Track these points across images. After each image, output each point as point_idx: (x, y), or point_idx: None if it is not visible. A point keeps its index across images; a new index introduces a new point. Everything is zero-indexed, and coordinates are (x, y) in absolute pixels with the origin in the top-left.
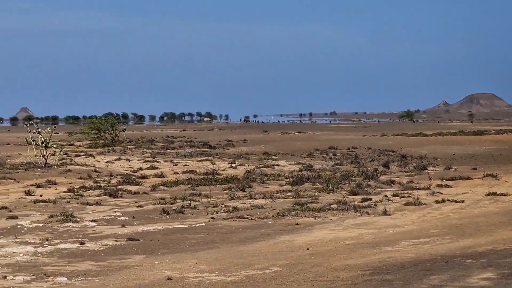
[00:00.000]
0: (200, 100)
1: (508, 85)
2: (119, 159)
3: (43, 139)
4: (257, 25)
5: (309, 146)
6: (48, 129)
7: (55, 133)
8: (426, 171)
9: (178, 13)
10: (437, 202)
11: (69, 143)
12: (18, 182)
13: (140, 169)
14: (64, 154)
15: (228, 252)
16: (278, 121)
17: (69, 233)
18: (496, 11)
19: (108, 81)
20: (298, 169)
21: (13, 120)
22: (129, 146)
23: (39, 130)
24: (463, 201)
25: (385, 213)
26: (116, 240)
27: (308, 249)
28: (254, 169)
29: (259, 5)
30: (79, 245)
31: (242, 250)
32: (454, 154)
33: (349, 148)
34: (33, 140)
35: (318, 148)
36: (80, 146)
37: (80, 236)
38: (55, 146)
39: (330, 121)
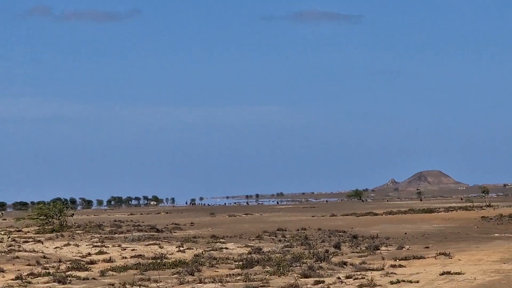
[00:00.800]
0: (146, 184)
1: (454, 162)
2: (68, 244)
3: None
4: (200, 107)
5: (257, 228)
6: None
7: (2, 220)
8: (379, 251)
9: (125, 98)
10: (391, 283)
11: (17, 229)
12: None
13: (89, 254)
14: (12, 241)
15: None
16: (225, 204)
17: None
18: (444, 87)
19: (56, 167)
20: (247, 251)
21: None
22: (77, 231)
23: None
24: (418, 281)
25: None
26: None
27: None
28: (202, 253)
29: (206, 88)
30: None
31: None
32: (405, 233)
33: (298, 230)
34: None
35: (266, 230)
36: (28, 232)
37: None
38: (2, 232)
39: (277, 202)
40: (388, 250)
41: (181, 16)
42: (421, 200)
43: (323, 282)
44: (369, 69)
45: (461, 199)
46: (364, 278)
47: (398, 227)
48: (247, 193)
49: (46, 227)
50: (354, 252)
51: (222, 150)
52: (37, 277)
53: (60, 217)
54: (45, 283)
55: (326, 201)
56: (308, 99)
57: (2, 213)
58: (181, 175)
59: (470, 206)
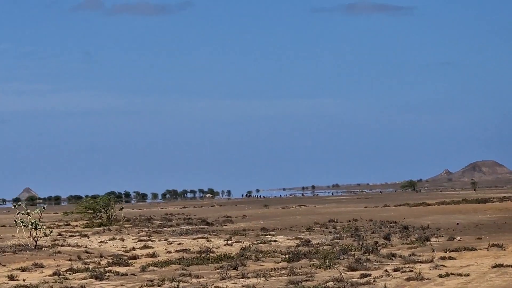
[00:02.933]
0: (202, 177)
1: (509, 152)
2: (113, 238)
3: (32, 220)
4: (258, 100)
5: (309, 220)
6: (37, 210)
7: (54, 213)
8: (429, 242)
9: (179, 91)
10: (440, 276)
11: (65, 223)
12: (3, 266)
13: (133, 248)
14: (58, 235)
15: None
16: (280, 195)
17: None
18: (496, 78)
19: (111, 160)
20: (295, 244)
21: (16, 201)
22: (125, 225)
23: (28, 211)
24: (468, 275)
25: None
26: None
27: None
28: (249, 246)
29: (261, 81)
30: None
31: None
32: (457, 224)
33: (349, 221)
34: (22, 222)
35: (317, 221)
36: (76, 226)
37: None
38: (44, 227)
39: (332, 194)
40: (438, 241)
41: (232, 8)
42: (475, 190)
43: (370, 275)
44: (421, 61)
45: None
46: (412, 271)
47: (450, 217)
48: (303, 184)
49: (95, 221)
50: (404, 244)
51: (279, 142)
52: (75, 272)
53: (108, 210)
54: (82, 279)
55: (380, 192)
56: (361, 91)
57: (44, 208)
58: (237, 167)
59: None
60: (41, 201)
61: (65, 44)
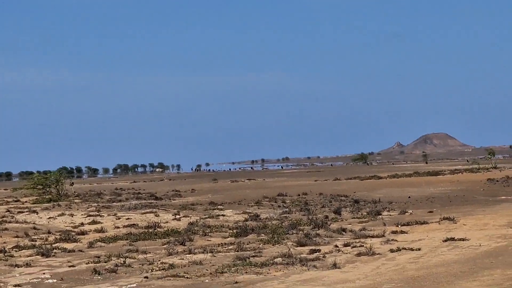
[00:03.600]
0: (153, 151)
1: (460, 124)
2: (62, 214)
3: None
4: (209, 75)
5: (258, 193)
6: None
7: (4, 189)
8: (380, 216)
9: (130, 67)
10: (392, 251)
11: (15, 199)
12: None
13: (82, 224)
14: (6, 211)
15: None
16: (230, 169)
17: None
18: (446, 50)
19: (63, 136)
20: (243, 219)
21: None
22: (75, 201)
23: None
24: (419, 249)
25: (334, 266)
26: None
27: None
28: (197, 221)
29: (211, 55)
30: None
31: None
32: (409, 197)
33: (299, 195)
34: None
35: (267, 195)
36: (26, 202)
37: None
38: None
39: (282, 167)
40: (390, 215)
41: None
42: (426, 163)
43: (319, 250)
44: (373, 33)
45: (467, 161)
46: (363, 246)
47: (402, 191)
48: (252, 158)
49: (45, 196)
50: (354, 218)
51: (229, 116)
52: (21, 249)
53: (58, 186)
54: (28, 256)
55: (331, 165)
56: (313, 63)
57: None
58: (187, 141)
59: (476, 168)
60: None
61: (18, 20)
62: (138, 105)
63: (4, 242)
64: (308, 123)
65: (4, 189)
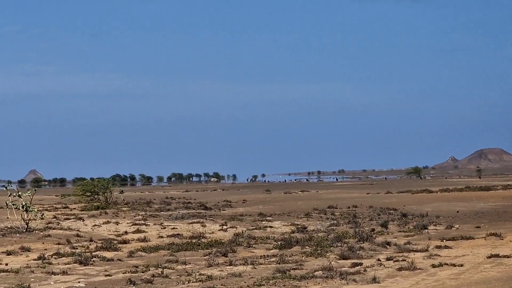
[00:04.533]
0: (209, 161)
1: None
2: (108, 222)
3: (23, 203)
4: (267, 84)
5: (309, 205)
6: (29, 192)
7: (55, 196)
8: (426, 230)
9: (187, 74)
10: (433, 266)
11: (64, 206)
12: None
13: (125, 233)
14: (53, 218)
15: None
16: (285, 180)
17: None
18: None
19: (118, 143)
20: (290, 230)
21: (21, 182)
22: (123, 209)
23: (19, 193)
24: (462, 265)
25: (374, 280)
26: None
27: None
28: (242, 232)
29: (270, 65)
30: None
31: None
32: (457, 212)
33: (349, 207)
34: (13, 204)
35: (317, 207)
36: (74, 208)
37: None
38: (35, 210)
39: (337, 179)
40: (436, 229)
41: None
42: (480, 177)
43: (361, 264)
44: (430, 47)
45: None
46: (405, 260)
47: (451, 205)
48: (309, 170)
49: (93, 204)
50: (400, 232)
51: (287, 126)
52: (61, 257)
53: (106, 193)
54: (66, 264)
55: (385, 178)
56: (370, 77)
57: (35, 190)
58: (244, 152)
59: None
60: (46, 183)
61: (72, 26)
62: (196, 114)
63: (45, 249)
64: (365, 135)
65: (56, 195)
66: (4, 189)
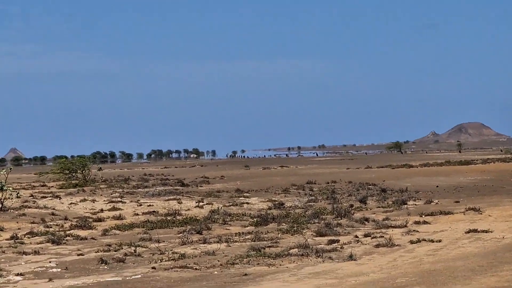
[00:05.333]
0: (189, 137)
1: (495, 114)
2: (84, 200)
3: None
4: (245, 61)
5: (288, 181)
6: (4, 170)
7: (34, 174)
8: (405, 205)
9: (165, 53)
10: (411, 242)
11: (42, 184)
12: None
13: (101, 210)
14: (30, 196)
15: None
16: (264, 156)
17: None
18: (483, 41)
19: (98, 121)
20: (267, 207)
21: (1, 161)
22: (101, 186)
23: None
24: (440, 241)
25: (350, 257)
26: None
27: None
28: (218, 208)
29: (247, 42)
30: None
31: None
32: (437, 186)
33: (328, 183)
34: None
35: (296, 183)
36: (52, 187)
37: None
38: (11, 188)
39: (317, 154)
40: (416, 204)
41: None
42: (460, 152)
43: (338, 241)
44: (409, 23)
45: (501, 150)
46: (383, 236)
47: (431, 179)
48: (289, 145)
49: (71, 181)
50: (379, 207)
51: (267, 103)
52: (34, 236)
53: (84, 171)
54: (38, 243)
55: (366, 153)
56: (350, 52)
57: (10, 168)
58: (223, 128)
59: (509, 158)
60: (26, 161)
61: (50, 5)
62: (175, 91)
63: (18, 228)
64: (344, 110)
65: (35, 174)
66: None
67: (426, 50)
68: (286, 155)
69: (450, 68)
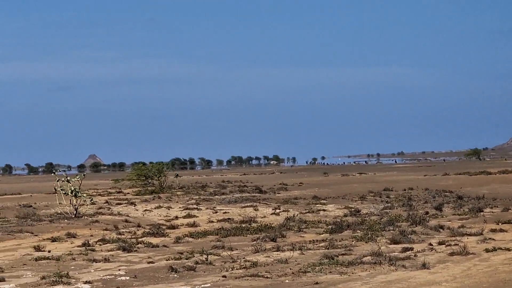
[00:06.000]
0: (269, 144)
1: None
2: (159, 207)
3: (72, 188)
4: (326, 67)
5: (366, 188)
6: (78, 177)
7: (111, 180)
8: (482, 213)
9: (246, 58)
10: (487, 250)
11: (118, 190)
12: (35, 235)
13: (176, 217)
14: (105, 203)
15: None
16: (344, 163)
17: None
18: None
19: (177, 127)
20: (343, 214)
21: (80, 167)
22: (177, 193)
23: (68, 178)
24: None
25: (424, 266)
26: None
27: None
28: (293, 216)
29: (329, 48)
30: None
31: None
32: None
33: (405, 190)
34: (61, 189)
35: (373, 190)
36: (128, 193)
37: None
38: (84, 195)
39: (396, 161)
40: (492, 212)
41: None
42: None
43: (412, 249)
44: (490, 27)
45: None
46: (457, 244)
47: (509, 187)
48: (369, 152)
49: (147, 188)
50: (455, 215)
51: (346, 109)
52: (106, 243)
53: (160, 177)
54: (109, 250)
55: (444, 160)
56: (428, 58)
57: (84, 175)
58: (304, 134)
59: None
60: (105, 167)
61: (131, 11)
62: (257, 98)
63: (91, 235)
64: (424, 117)
65: (112, 180)
66: (52, 174)
67: (507, 54)
68: (365, 162)
69: None
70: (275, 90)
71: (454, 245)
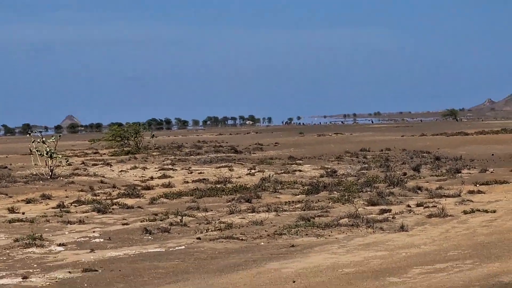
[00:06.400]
0: (245, 104)
1: None
2: (135, 167)
3: (47, 149)
4: (301, 29)
5: (342, 148)
6: (53, 138)
7: (88, 141)
8: (460, 174)
9: (222, 21)
10: (465, 212)
11: (94, 151)
12: (10, 197)
13: (151, 178)
14: (81, 163)
15: (195, 287)
16: (320, 123)
17: (24, 261)
18: None
19: (154, 88)
20: (319, 174)
21: (58, 128)
22: (153, 153)
23: (43, 139)
24: (494, 211)
25: (402, 228)
26: (70, 272)
27: (294, 281)
28: (269, 176)
29: (302, 10)
30: (21, 279)
31: (213, 283)
32: (492, 155)
33: (382, 150)
34: (37, 150)
35: (349, 150)
36: (104, 154)
37: (35, 265)
38: (60, 156)
39: (372, 121)
40: (470, 173)
41: None
42: None
43: (390, 211)
44: None
45: None
46: (435, 206)
47: (486, 148)
48: (345, 112)
49: (124, 149)
50: (433, 176)
51: (323, 70)
52: (81, 204)
53: (136, 138)
54: (84, 212)
55: (421, 121)
56: (406, 20)
57: (60, 136)
58: (280, 94)
59: None
60: (82, 128)
61: None
62: (233, 58)
63: (66, 196)
64: (401, 78)
65: (89, 141)
66: (28, 135)
67: (482, 16)
68: (342, 122)
69: (507, 35)
70: (251, 51)
71: (432, 207)
